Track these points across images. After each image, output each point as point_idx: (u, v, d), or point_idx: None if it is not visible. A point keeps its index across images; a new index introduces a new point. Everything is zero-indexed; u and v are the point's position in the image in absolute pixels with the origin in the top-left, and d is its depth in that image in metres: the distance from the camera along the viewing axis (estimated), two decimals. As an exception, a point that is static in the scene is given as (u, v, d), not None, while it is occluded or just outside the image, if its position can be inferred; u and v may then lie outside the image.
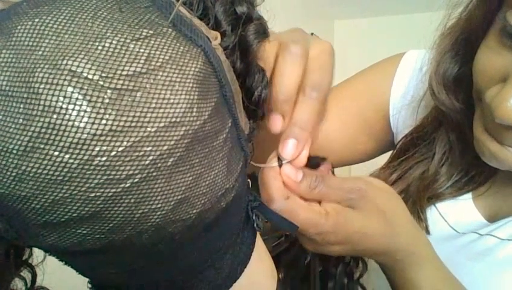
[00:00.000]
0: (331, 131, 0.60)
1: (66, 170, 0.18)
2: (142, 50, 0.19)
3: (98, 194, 0.19)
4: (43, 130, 0.17)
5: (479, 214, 0.49)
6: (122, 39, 0.19)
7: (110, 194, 0.19)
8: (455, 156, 0.50)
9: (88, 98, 0.17)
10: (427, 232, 0.49)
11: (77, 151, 0.18)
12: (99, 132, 0.18)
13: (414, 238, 0.38)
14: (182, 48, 0.20)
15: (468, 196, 0.51)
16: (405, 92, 0.57)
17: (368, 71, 0.63)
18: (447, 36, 0.48)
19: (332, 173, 0.37)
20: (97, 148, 0.18)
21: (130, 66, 0.18)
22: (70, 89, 0.17)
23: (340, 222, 0.33)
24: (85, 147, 0.18)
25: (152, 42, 0.19)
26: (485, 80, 0.39)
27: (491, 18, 0.40)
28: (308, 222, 0.32)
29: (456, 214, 0.50)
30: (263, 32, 0.25)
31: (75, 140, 0.17)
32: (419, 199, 0.50)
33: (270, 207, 0.31)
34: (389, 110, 0.59)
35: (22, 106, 0.17)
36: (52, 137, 0.17)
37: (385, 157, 0.60)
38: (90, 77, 0.18)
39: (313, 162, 0.35)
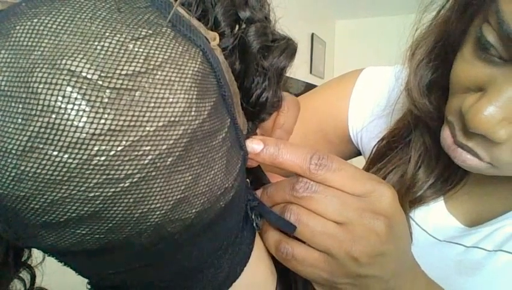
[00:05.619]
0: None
1: (65, 169, 0.18)
2: (141, 50, 0.19)
3: (97, 194, 0.19)
4: (42, 130, 0.17)
5: (453, 217, 0.49)
6: (121, 39, 0.19)
7: (109, 194, 0.19)
8: (431, 157, 0.50)
9: (87, 97, 0.17)
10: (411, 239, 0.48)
11: (76, 151, 0.18)
12: (98, 132, 0.18)
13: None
14: (180, 47, 0.20)
15: (440, 199, 0.50)
16: (365, 109, 0.57)
17: (327, 87, 0.65)
18: (422, 45, 0.48)
19: None
20: (96, 148, 0.18)
21: (129, 66, 0.18)
22: (69, 88, 0.17)
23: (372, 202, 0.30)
24: (84, 146, 0.18)
25: (151, 42, 0.19)
26: (461, 91, 0.39)
27: (466, 27, 0.40)
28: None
29: (431, 218, 0.49)
30: (263, 35, 0.25)
31: (74, 140, 0.17)
32: (401, 205, 0.49)
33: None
34: (348, 129, 0.60)
35: (20, 105, 0.17)
36: (51, 137, 0.17)
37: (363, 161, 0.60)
38: (89, 76, 0.18)
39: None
